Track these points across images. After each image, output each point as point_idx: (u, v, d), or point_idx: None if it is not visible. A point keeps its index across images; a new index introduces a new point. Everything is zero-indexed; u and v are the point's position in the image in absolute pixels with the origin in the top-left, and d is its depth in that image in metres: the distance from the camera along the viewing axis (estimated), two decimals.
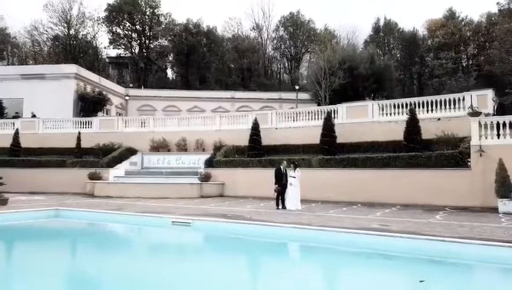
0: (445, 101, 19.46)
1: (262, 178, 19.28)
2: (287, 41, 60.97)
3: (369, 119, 20.97)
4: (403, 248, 8.82)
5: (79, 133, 25.94)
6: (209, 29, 58.21)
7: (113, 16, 55.67)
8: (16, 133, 26.66)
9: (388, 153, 18.34)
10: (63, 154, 26.05)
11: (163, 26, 57.97)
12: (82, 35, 55.63)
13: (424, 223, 11.34)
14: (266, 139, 22.72)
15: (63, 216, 14.56)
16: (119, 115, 38.64)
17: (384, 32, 58.63)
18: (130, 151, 25.80)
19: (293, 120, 23.76)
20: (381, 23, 58.86)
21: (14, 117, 30.98)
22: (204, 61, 55.26)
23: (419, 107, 19.73)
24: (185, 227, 11.98)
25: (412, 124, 18.04)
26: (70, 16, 53.73)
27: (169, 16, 57.97)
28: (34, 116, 30.55)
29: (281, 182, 15.23)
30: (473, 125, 15.55)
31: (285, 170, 15.45)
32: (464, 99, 18.75)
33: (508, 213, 13.41)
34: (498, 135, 15.25)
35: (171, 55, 59.33)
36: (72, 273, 8.05)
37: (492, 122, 15.41)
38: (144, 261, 9.08)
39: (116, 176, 23.50)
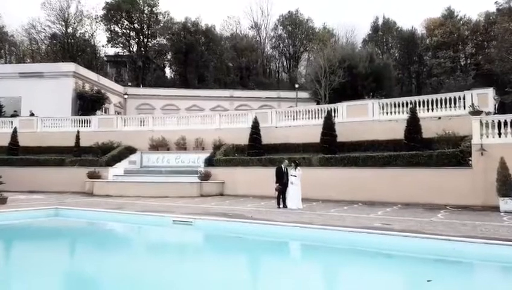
0: (445, 99, 19.42)
1: (263, 177, 19.25)
2: (286, 40, 60.91)
3: (369, 118, 20.91)
4: (407, 247, 8.79)
5: (78, 131, 25.78)
6: (208, 28, 58.04)
7: (111, 14, 55.46)
8: (14, 132, 26.50)
9: (389, 151, 18.29)
10: (61, 153, 25.90)
11: (161, 24, 57.80)
12: (80, 33, 55.49)
13: (427, 222, 11.31)
14: (266, 138, 22.65)
15: (63, 215, 14.48)
16: (118, 113, 38.52)
17: (382, 31, 58.64)
18: (129, 150, 25.69)
19: (293, 119, 23.69)
20: (380, 22, 58.91)
21: (12, 116, 30.80)
22: (202, 60, 55.13)
23: (419, 106, 19.69)
24: (187, 226, 11.92)
25: (413, 123, 18.00)
26: (68, 14, 53.60)
27: (168, 14, 57.89)
28: (32, 114, 30.38)
29: (282, 181, 15.18)
30: (474, 124, 15.53)
31: (286, 169, 15.40)
32: (464, 98, 18.71)
33: (510, 212, 13.42)
34: (499, 134, 15.23)
35: (170, 53, 59.15)
36: (74, 274, 7.97)
37: (493, 121, 15.39)
38: (147, 261, 9.02)
39: (115, 175, 23.40)
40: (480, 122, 15.44)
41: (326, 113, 21.29)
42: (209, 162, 22.50)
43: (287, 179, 15.17)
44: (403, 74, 55.22)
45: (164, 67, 62.30)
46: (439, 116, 19.07)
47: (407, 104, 20.24)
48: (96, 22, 55.93)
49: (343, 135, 20.43)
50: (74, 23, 54.29)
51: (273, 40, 61.53)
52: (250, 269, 8.63)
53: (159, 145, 25.93)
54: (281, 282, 7.20)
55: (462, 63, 53.45)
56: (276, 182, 15.28)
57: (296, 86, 39.33)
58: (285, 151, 21.48)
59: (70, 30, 53.99)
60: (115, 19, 55.97)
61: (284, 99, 43.11)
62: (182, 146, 25.59)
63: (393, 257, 8.68)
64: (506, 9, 41.90)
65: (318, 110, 23.07)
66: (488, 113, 16.54)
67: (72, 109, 33.45)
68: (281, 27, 60.60)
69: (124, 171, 24.13)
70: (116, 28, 56.92)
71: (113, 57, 58.54)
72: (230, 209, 14.63)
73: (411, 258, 8.64)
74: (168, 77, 61.63)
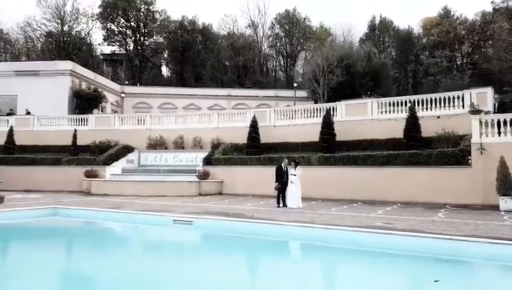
0: (444, 99, 19.42)
1: (262, 176, 19.19)
2: (283, 39, 60.82)
3: (368, 117, 20.88)
4: (411, 247, 8.75)
5: (75, 130, 25.61)
6: (205, 27, 57.87)
7: (107, 13, 55.09)
8: (10, 131, 26.24)
9: (388, 150, 18.28)
10: (58, 151, 25.73)
11: (158, 23, 57.52)
12: (76, 31, 55.02)
13: (428, 221, 11.29)
14: (264, 137, 22.57)
15: (61, 215, 14.34)
16: (115, 112, 38.32)
17: (379, 31, 58.73)
18: (127, 149, 25.55)
19: (292, 118, 23.63)
20: (377, 21, 58.96)
21: (8, 114, 30.51)
22: (199, 59, 54.98)
23: (418, 105, 19.66)
24: (187, 225, 11.84)
25: (412, 122, 17.99)
26: (64, 12, 53.09)
27: (165, 12, 57.55)
28: (28, 113, 30.14)
29: (282, 179, 15.13)
30: (473, 123, 15.53)
31: (286, 168, 15.35)
32: (463, 97, 18.72)
33: (509, 211, 13.42)
34: (499, 133, 15.24)
35: (166, 52, 58.94)
36: (75, 274, 7.86)
37: (493, 120, 15.39)
38: (148, 261, 8.92)
39: (112, 174, 23.27)
40: (480, 121, 15.44)
41: (325, 112, 21.25)
42: (208, 161, 22.40)
43: (287, 178, 15.11)
44: (399, 73, 55.31)
45: (161, 65, 62.10)
46: (438, 115, 19.08)
47: (406, 103, 20.23)
48: (93, 20, 55.60)
49: (342, 134, 20.39)
50: (70, 21, 53.87)
51: (270, 39, 61.43)
52: (252, 269, 8.57)
53: (156, 144, 25.80)
54: (284, 282, 7.14)
55: (459, 62, 53.63)
56: (276, 181, 15.22)
57: (295, 84, 39.24)
58: (284, 150, 21.41)
59: (66, 28, 53.57)
60: (111, 17, 55.60)
61: (282, 98, 43.02)
62: (180, 145, 25.47)
63: (397, 257, 8.63)
64: (503, 8, 41.97)
65: (317, 109, 23.04)
66: (487, 112, 16.54)
67: (69, 108, 33.23)
68: (278, 26, 60.49)
69: (122, 170, 23.99)
70: (113, 26, 56.57)
71: (110, 55, 58.22)
72: (230, 209, 14.56)
73: (415, 258, 8.60)
74: (165, 75, 61.43)
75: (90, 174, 22.50)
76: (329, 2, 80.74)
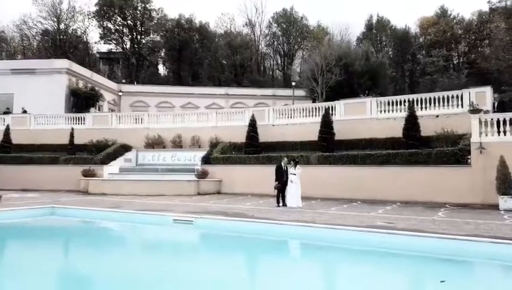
0: (443, 98, 19.45)
1: (261, 175, 19.18)
2: (280, 38, 60.67)
3: (367, 116, 20.89)
4: (413, 246, 8.73)
5: (72, 129, 25.46)
6: (202, 25, 57.71)
7: (104, 11, 54.79)
8: (7, 129, 26.08)
9: (386, 149, 18.28)
10: (55, 150, 25.58)
11: (155, 21, 57.28)
12: (72, 29, 54.71)
13: (429, 221, 11.28)
14: (263, 136, 22.53)
15: (59, 214, 14.21)
16: (112, 111, 38.11)
17: (376, 30, 58.74)
18: (125, 148, 25.40)
19: (291, 117, 23.59)
20: (374, 20, 58.95)
21: (4, 113, 30.28)
22: (196, 57, 54.81)
23: (417, 104, 19.68)
24: (187, 225, 11.76)
25: (411, 121, 18.00)
26: (60, 10, 52.82)
27: (161, 11, 57.34)
28: (24, 111, 29.94)
29: (282, 179, 15.09)
30: (473, 122, 15.54)
31: (286, 167, 15.30)
32: (462, 97, 18.75)
33: (509, 210, 13.44)
34: (498, 132, 15.26)
35: (163, 50, 58.71)
36: (75, 275, 7.75)
37: (492, 119, 15.41)
38: (149, 261, 8.84)
39: (110, 173, 23.14)
40: (480, 120, 15.45)
41: (324, 111, 21.23)
42: (206, 160, 22.32)
43: (287, 177, 15.07)
44: (396, 72, 55.37)
45: (157, 64, 61.84)
46: (437, 115, 19.12)
47: (404, 102, 20.25)
48: (89, 18, 55.28)
49: (340, 133, 20.38)
50: (66, 19, 53.60)
51: (268, 38, 61.30)
52: (254, 270, 8.51)
53: (154, 143, 25.70)
54: (286, 282, 7.09)
55: (455, 62, 53.74)
56: (276, 180, 15.18)
57: (293, 83, 39.19)
58: (283, 149, 21.39)
59: (62, 26, 53.30)
60: (107, 15, 55.30)
61: (280, 97, 42.96)
62: (178, 144, 25.40)
63: (400, 257, 8.59)
64: (502, 8, 42.06)
65: (315, 108, 23.02)
66: (486, 112, 16.56)
67: (66, 106, 33.03)
68: (275, 25, 60.35)
69: (120, 169, 23.87)
70: (109, 25, 56.26)
71: (106, 53, 57.97)
72: (230, 208, 14.50)
73: (418, 258, 8.57)
74: (162, 74, 61.20)
75: (87, 174, 22.36)
76: (326, 1, 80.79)
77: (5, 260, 9.13)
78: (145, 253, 10.01)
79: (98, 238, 11.94)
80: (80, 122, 27.83)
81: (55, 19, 52.60)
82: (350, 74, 33.49)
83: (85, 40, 56.78)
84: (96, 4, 54.46)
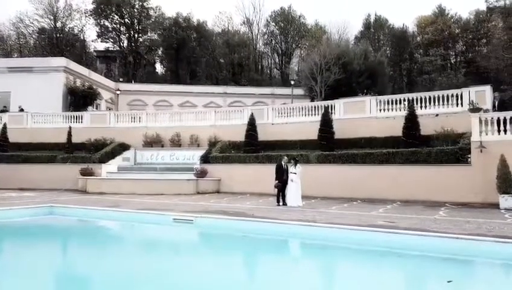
0: (442, 97, 19.45)
1: (260, 174, 19.16)
2: (278, 37, 60.58)
3: (366, 115, 20.85)
4: (416, 246, 8.66)
5: (70, 127, 25.29)
6: (199, 24, 57.55)
7: (101, 9, 54.51)
8: (4, 128, 25.86)
9: (386, 148, 18.24)
10: (52, 149, 25.43)
11: (152, 19, 57.03)
12: (69, 28, 54.45)
13: (430, 220, 11.25)
14: (262, 135, 22.47)
15: (58, 213, 14.09)
16: (109, 109, 37.97)
17: (374, 29, 58.77)
18: (123, 147, 25.27)
19: (290, 116, 23.54)
20: (372, 19, 59.01)
21: (1, 111, 29.95)
22: (194, 56, 54.67)
23: (416, 103, 19.66)
24: (188, 224, 11.68)
25: (411, 120, 17.98)
26: (57, 8, 52.52)
27: (159, 9, 57.13)
28: (21, 110, 29.73)
29: (282, 178, 15.04)
30: (473, 121, 15.52)
31: (286, 166, 15.24)
32: (461, 96, 18.74)
33: (510, 209, 13.43)
34: (498, 131, 15.25)
35: (161, 49, 58.51)
36: (75, 276, 7.64)
37: (492, 118, 15.40)
38: (149, 261, 8.76)
39: (108, 172, 23.02)
40: (480, 119, 15.44)
41: (323, 109, 21.18)
42: (205, 159, 22.24)
43: (287, 176, 15.02)
44: (394, 71, 55.44)
45: (155, 63, 61.63)
46: (437, 114, 19.11)
47: (404, 101, 20.24)
48: (86, 16, 55.08)
49: (340, 131, 20.33)
50: (63, 18, 53.28)
51: (265, 37, 61.19)
52: (257, 269, 8.46)
53: (153, 142, 25.60)
54: (289, 281, 7.05)
55: (453, 61, 53.85)
56: (276, 179, 15.13)
57: (292, 82, 39.13)
58: (282, 148, 21.32)
59: (59, 24, 52.96)
60: (104, 13, 55.02)
61: (278, 96, 42.85)
62: (176, 143, 25.30)
63: (403, 256, 8.53)
64: (501, 7, 42.11)
65: (315, 106, 22.97)
66: (486, 111, 16.56)
67: (63, 105, 32.83)
68: (273, 23, 60.29)
69: (118, 168, 23.75)
70: (106, 23, 55.96)
71: (103, 52, 57.62)
72: (230, 207, 14.44)
73: (421, 257, 8.52)
74: (159, 72, 61.02)
75: (85, 173, 22.22)
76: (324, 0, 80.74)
77: (5, 260, 9.00)
78: (146, 252, 9.92)
79: (98, 237, 11.83)
80: (77, 120, 27.67)
81: (52, 17, 52.30)
82: (349, 72, 33.47)
83: (82, 38, 56.59)
84: (93, 2, 54.20)
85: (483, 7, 49.00)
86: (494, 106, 17.75)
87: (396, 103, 20.56)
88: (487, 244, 8.08)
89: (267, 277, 7.60)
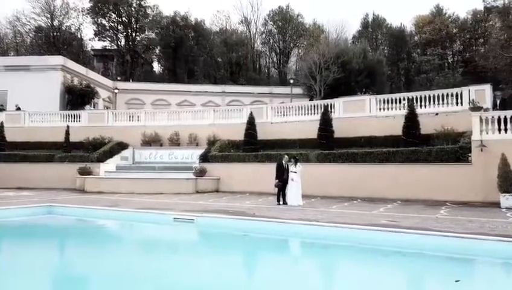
0: (442, 95, 19.44)
1: (259, 173, 19.10)
2: (276, 36, 60.45)
3: (366, 114, 20.80)
4: (420, 245, 8.60)
5: (67, 126, 25.12)
6: (197, 22, 57.28)
7: (98, 7, 54.12)
8: (1, 127, 25.66)
9: (385, 147, 18.21)
10: (50, 148, 25.25)
11: (150, 18, 56.67)
12: (66, 26, 54.06)
13: (432, 219, 11.21)
14: (261, 134, 22.39)
15: (57, 213, 13.97)
16: (107, 108, 37.75)
17: (372, 28, 58.76)
18: (121, 146, 25.11)
19: (289, 115, 23.46)
20: (370, 18, 58.99)
21: None
22: (192, 55, 54.40)
23: (416, 102, 19.64)
24: (188, 224, 11.60)
25: (411, 119, 17.95)
26: (54, 7, 52.15)
27: (156, 8, 56.77)
28: (18, 108, 29.52)
29: (282, 177, 14.96)
30: (474, 120, 15.50)
31: (287, 165, 15.17)
32: (461, 95, 18.73)
33: (511, 208, 13.43)
34: (499, 130, 15.23)
35: (158, 48, 58.25)
36: (75, 276, 7.53)
37: (493, 117, 15.39)
38: (150, 260, 8.66)
39: (107, 171, 22.85)
40: (480, 118, 15.42)
41: (323, 108, 21.12)
42: (204, 158, 22.14)
43: (287, 175, 14.95)
44: (391, 70, 55.42)
45: (152, 62, 61.37)
46: (436, 112, 19.09)
47: (403, 100, 20.21)
48: (83, 14, 54.66)
49: (339, 130, 20.28)
50: (60, 16, 52.95)
51: (263, 36, 61.07)
52: (259, 268, 8.38)
53: (151, 141, 25.47)
54: (292, 281, 6.97)
55: (450, 61, 53.93)
56: (276, 178, 15.05)
57: (291, 81, 39.04)
58: (281, 147, 21.27)
59: (56, 23, 52.62)
60: (102, 11, 54.60)
61: (276, 95, 42.80)
62: (175, 142, 25.17)
63: (408, 255, 8.46)
64: (500, 6, 42.14)
65: (314, 105, 22.91)
66: (486, 110, 16.55)
67: (61, 104, 32.62)
68: (271, 22, 60.13)
69: (116, 167, 23.60)
70: (104, 21, 55.55)
71: (101, 51, 57.30)
72: (230, 207, 14.36)
73: (426, 256, 8.45)
74: (157, 71, 60.77)
75: (84, 172, 22.07)
76: None
77: (4, 259, 8.89)
78: (146, 252, 9.81)
79: (98, 237, 11.69)
80: (75, 119, 27.50)
81: (49, 16, 51.95)
82: (348, 71, 33.42)
83: (79, 37, 56.22)
84: (90, 1, 53.78)
85: (480, 7, 49.20)
86: (495, 105, 17.74)
87: (396, 102, 20.53)
88: (491, 243, 8.04)
89: (269, 276, 7.51)
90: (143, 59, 57.73)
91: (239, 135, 22.56)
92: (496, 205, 14.07)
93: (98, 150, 23.96)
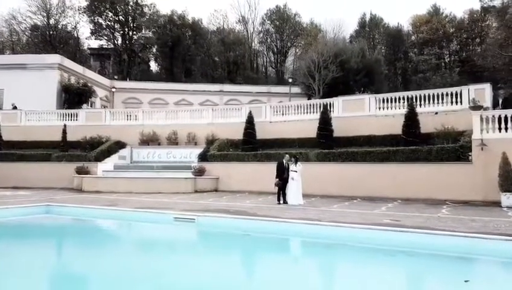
0: (442, 95, 19.43)
1: (259, 173, 19.03)
2: (273, 35, 60.41)
3: (365, 113, 20.76)
4: (424, 245, 8.55)
5: (64, 125, 24.92)
6: (194, 21, 57.13)
7: (94, 6, 53.86)
8: None
9: (385, 146, 18.18)
10: (47, 147, 25.06)
11: (147, 17, 56.46)
12: (62, 25, 53.84)
13: (435, 218, 11.16)
14: (260, 133, 22.30)
15: (55, 212, 13.82)
16: (104, 107, 37.56)
17: (369, 28, 58.81)
18: (119, 145, 24.96)
19: (288, 114, 23.39)
20: (367, 18, 59.06)
21: None
22: (189, 54, 54.25)
23: (415, 101, 19.61)
24: (189, 223, 11.49)
25: (411, 118, 17.91)
26: (50, 5, 51.89)
27: (154, 6, 56.49)
28: (15, 107, 29.28)
29: (283, 176, 14.88)
30: (474, 119, 15.48)
31: (288, 164, 15.08)
32: (461, 94, 18.73)
33: None
34: (499, 129, 15.22)
35: (155, 47, 58.00)
36: (76, 276, 7.41)
37: (493, 116, 15.38)
38: (151, 260, 8.55)
39: (104, 170, 22.67)
40: (481, 117, 15.40)
41: (322, 107, 21.05)
42: (203, 157, 22.02)
43: (288, 174, 14.86)
44: (389, 70, 55.48)
45: (149, 61, 61.12)
46: (436, 112, 19.07)
47: (403, 99, 20.18)
48: (80, 13, 54.46)
49: (339, 130, 20.23)
50: (56, 14, 52.68)
51: (261, 35, 61.00)
52: (260, 268, 8.29)
53: (149, 140, 25.32)
54: (295, 280, 6.89)
55: (447, 60, 54.06)
56: (277, 177, 14.96)
57: (290, 80, 39.00)
58: (280, 146, 21.21)
59: (52, 21, 52.35)
60: (98, 10, 54.36)
61: (274, 94, 42.74)
62: (173, 141, 25.03)
63: (412, 255, 8.42)
64: (497, 6, 42.24)
65: (313, 104, 22.85)
66: (486, 108, 16.54)
67: (57, 102, 32.41)
68: (269, 22, 60.05)
69: (114, 166, 23.42)
70: (100, 20, 55.31)
71: (97, 49, 56.96)
72: (230, 206, 14.26)
73: (430, 256, 8.40)
74: (154, 71, 60.53)
75: (81, 171, 21.90)
76: None
77: (2, 259, 8.74)
78: (147, 252, 9.69)
79: (98, 237, 11.58)
80: (72, 118, 27.31)
81: (45, 14, 51.67)
82: (346, 70, 33.40)
83: (75, 35, 55.95)
84: None
85: (477, 7, 49.33)
86: (497, 104, 17.73)
87: (395, 101, 20.50)
88: (496, 243, 7.99)
89: (271, 276, 7.42)
90: (140, 58, 57.49)
91: (238, 134, 22.45)
92: (497, 204, 14.06)
93: (95, 149, 23.80)
